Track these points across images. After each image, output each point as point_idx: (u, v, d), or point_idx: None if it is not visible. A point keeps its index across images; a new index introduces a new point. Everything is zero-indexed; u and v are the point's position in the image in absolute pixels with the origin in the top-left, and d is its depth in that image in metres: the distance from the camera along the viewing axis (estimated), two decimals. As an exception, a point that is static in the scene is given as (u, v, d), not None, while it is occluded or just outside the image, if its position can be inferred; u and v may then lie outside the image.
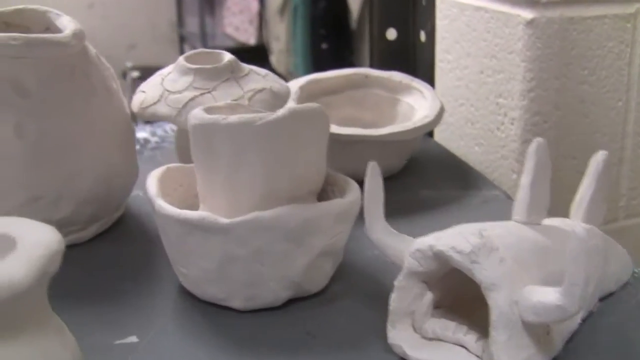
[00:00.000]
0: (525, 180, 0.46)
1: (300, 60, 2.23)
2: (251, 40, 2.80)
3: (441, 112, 0.68)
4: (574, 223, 0.47)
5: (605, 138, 0.69)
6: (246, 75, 0.60)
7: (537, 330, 0.39)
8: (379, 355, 0.43)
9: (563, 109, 0.67)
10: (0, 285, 0.29)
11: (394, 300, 0.43)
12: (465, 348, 0.42)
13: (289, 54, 2.35)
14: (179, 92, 0.58)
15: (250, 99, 0.58)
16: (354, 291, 0.50)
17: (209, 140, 0.45)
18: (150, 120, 0.60)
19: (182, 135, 0.63)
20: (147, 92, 0.60)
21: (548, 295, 0.37)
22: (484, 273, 0.39)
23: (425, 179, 0.69)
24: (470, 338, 0.41)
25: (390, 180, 0.62)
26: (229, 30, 2.99)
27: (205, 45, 2.84)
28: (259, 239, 0.44)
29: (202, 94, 0.57)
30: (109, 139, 0.55)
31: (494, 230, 0.42)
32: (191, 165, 0.51)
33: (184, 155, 0.61)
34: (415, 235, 0.44)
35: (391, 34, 0.85)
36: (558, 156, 0.68)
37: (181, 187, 0.52)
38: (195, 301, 0.49)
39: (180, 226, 0.45)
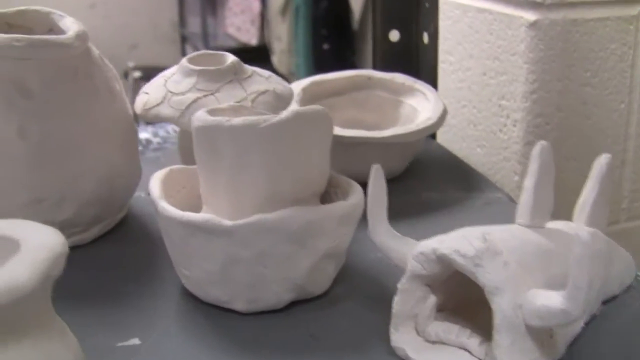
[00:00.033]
0: (528, 183, 0.45)
1: (302, 61, 2.22)
2: (253, 40, 2.80)
3: (444, 114, 0.68)
4: (578, 226, 0.47)
5: (608, 140, 0.69)
6: (249, 77, 0.60)
7: (540, 334, 0.39)
8: (382, 358, 0.43)
9: (565, 110, 0.67)
10: (4, 288, 0.29)
11: (397, 303, 0.43)
12: (469, 351, 0.41)
13: (290, 54, 2.35)
14: (182, 93, 0.58)
15: (253, 100, 0.58)
16: (356, 294, 0.50)
17: (212, 142, 0.45)
18: (154, 121, 0.60)
19: (185, 137, 0.62)
20: (151, 94, 0.59)
21: (552, 299, 0.37)
22: (487, 277, 0.39)
23: (427, 181, 0.69)
24: (473, 341, 0.41)
25: (392, 182, 0.62)
26: (231, 30, 2.98)
27: (206, 46, 2.84)
28: (262, 241, 0.44)
29: (205, 96, 0.57)
30: (112, 140, 0.55)
31: (498, 233, 0.42)
32: (194, 167, 0.51)
33: (187, 156, 0.61)
34: (417, 237, 0.44)
35: (394, 35, 0.84)
36: (560, 158, 0.67)
37: (184, 189, 0.52)
38: (198, 303, 0.48)
39: (183, 228, 0.45)
